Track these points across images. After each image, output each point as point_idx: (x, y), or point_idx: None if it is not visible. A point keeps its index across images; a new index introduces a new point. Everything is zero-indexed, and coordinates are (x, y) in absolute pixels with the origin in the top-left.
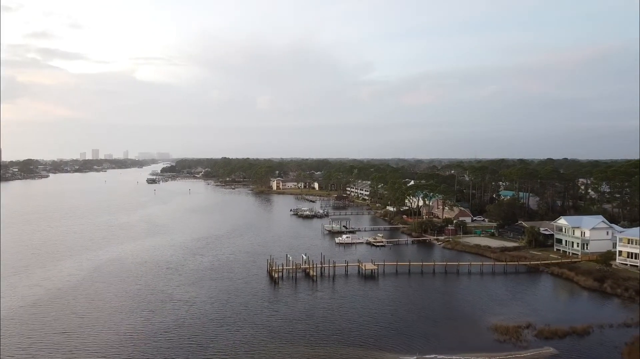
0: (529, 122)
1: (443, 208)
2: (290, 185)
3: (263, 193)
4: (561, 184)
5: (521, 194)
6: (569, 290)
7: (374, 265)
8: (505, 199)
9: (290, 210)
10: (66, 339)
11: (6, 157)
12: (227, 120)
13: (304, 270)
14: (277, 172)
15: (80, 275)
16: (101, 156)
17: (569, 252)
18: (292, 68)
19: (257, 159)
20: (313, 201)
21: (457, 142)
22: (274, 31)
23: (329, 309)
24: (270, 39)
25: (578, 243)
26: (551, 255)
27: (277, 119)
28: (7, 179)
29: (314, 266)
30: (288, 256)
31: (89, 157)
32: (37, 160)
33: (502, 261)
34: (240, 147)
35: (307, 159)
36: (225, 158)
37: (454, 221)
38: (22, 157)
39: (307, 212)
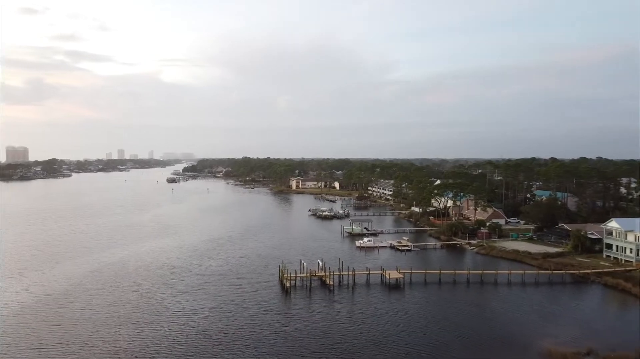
0: (554, 121)
1: (475, 209)
2: (310, 184)
3: (282, 192)
4: (601, 183)
5: (557, 195)
6: (628, 304)
7: (400, 273)
8: (543, 199)
9: (309, 210)
10: (39, 357)
11: (33, 157)
12: (248, 120)
13: (320, 278)
14: (297, 171)
15: (75, 279)
16: (127, 156)
17: (621, 259)
18: (313, 68)
19: (278, 159)
20: (333, 201)
21: (482, 141)
22: (294, 31)
23: (348, 325)
24: (290, 39)
25: (632, 249)
26: (601, 263)
27: (298, 119)
28: (28, 178)
29: (331, 273)
30: (302, 262)
31: (114, 157)
32: (61, 160)
33: (547, 270)
34: (262, 146)
35: (327, 159)
36: (245, 157)
37: (487, 223)
38: (49, 157)
39: (326, 213)
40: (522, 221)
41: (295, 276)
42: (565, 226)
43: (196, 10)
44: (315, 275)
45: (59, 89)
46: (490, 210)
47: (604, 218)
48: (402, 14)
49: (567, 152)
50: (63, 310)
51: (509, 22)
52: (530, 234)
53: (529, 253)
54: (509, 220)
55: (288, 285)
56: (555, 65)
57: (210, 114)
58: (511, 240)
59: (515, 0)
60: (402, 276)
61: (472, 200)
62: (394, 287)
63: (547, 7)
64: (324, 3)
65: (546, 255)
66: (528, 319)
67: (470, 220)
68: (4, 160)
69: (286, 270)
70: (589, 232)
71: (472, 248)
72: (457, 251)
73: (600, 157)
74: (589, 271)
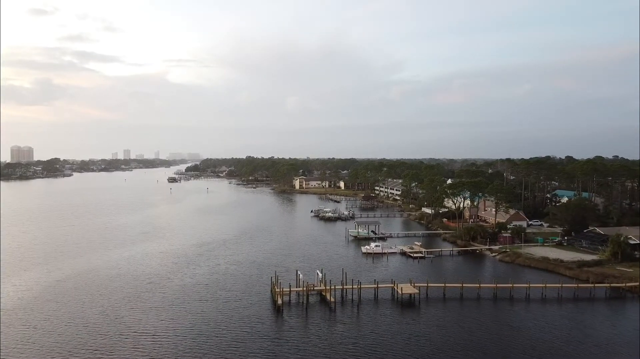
0: (564, 121)
1: (496, 211)
2: (314, 184)
3: (285, 192)
4: (630, 183)
5: (583, 195)
6: None
7: (414, 287)
8: (572, 200)
9: (311, 211)
10: None
11: (39, 157)
12: (256, 120)
13: (319, 293)
14: (301, 170)
15: (36, 290)
16: (132, 156)
17: None
18: (321, 69)
19: (282, 158)
20: (338, 202)
21: (491, 141)
22: (303, 32)
23: (353, 355)
24: (299, 40)
25: None
26: None
27: (306, 120)
28: (27, 178)
29: (333, 287)
30: (298, 273)
31: (120, 157)
32: (64, 160)
33: (586, 281)
34: (269, 147)
35: (333, 158)
36: (249, 157)
37: (509, 226)
38: (54, 157)
39: (330, 214)
40: (544, 224)
41: (290, 291)
42: (597, 229)
43: (204, 12)
44: (314, 289)
45: (67, 90)
46: (512, 211)
47: (637, 221)
48: (411, 14)
49: (578, 152)
50: (9, 330)
51: (518, 21)
52: (558, 239)
53: (562, 261)
54: (530, 222)
55: (280, 302)
56: (568, 64)
57: (217, 114)
58: (538, 245)
59: (524, 0)
60: (417, 291)
61: (489, 200)
62: (408, 304)
63: (560, 6)
64: (334, 4)
65: (582, 264)
66: (582, 349)
67: (487, 222)
68: (9, 159)
69: (279, 283)
70: (627, 237)
71: (493, 254)
72: (477, 258)
73: (617, 156)
74: (638, 283)
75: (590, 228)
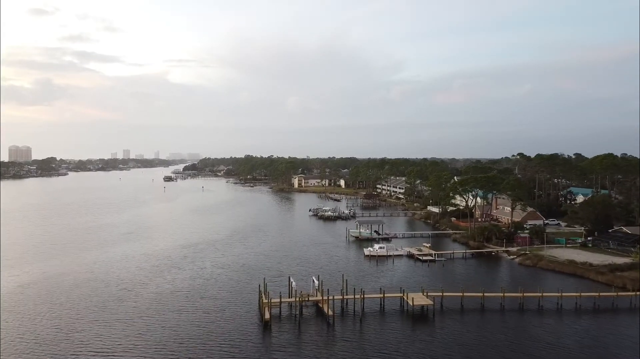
0: (564, 121)
1: (512, 209)
2: (313, 182)
3: (283, 191)
4: None
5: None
6: None
7: (427, 297)
8: (595, 197)
9: (309, 210)
10: None
11: (38, 157)
12: (256, 120)
13: (315, 304)
14: (300, 169)
15: None
16: (132, 156)
17: None
18: (321, 69)
19: (281, 157)
20: (338, 200)
21: (491, 141)
22: (303, 32)
23: None
24: (299, 40)
25: None
26: None
27: (306, 120)
28: (21, 177)
29: (331, 298)
30: (291, 280)
31: (119, 157)
32: (61, 159)
33: (623, 289)
34: (269, 146)
35: (333, 157)
36: (247, 156)
37: (525, 226)
38: (52, 157)
39: (330, 213)
40: (562, 224)
41: (280, 302)
42: (624, 228)
43: (204, 12)
44: (309, 299)
45: (68, 90)
46: (529, 209)
47: None
48: (411, 14)
49: (579, 151)
50: None
51: (518, 21)
52: (582, 239)
53: (591, 264)
54: (547, 221)
55: (268, 315)
56: (568, 64)
57: (217, 114)
58: (559, 246)
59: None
60: (430, 301)
61: (501, 198)
62: (420, 318)
63: (560, 6)
64: (331, 3)
65: (613, 268)
66: None
67: (500, 221)
68: (6, 159)
69: (267, 293)
70: None
71: (512, 257)
72: (493, 261)
73: (625, 154)
74: None
75: (616, 227)
